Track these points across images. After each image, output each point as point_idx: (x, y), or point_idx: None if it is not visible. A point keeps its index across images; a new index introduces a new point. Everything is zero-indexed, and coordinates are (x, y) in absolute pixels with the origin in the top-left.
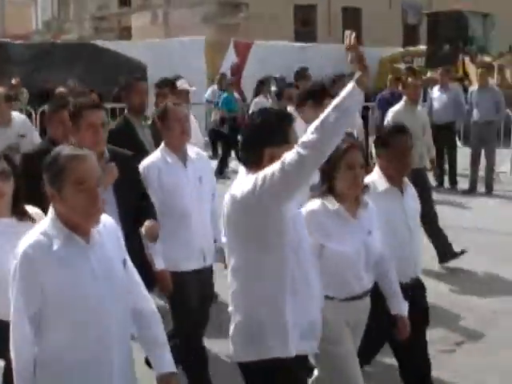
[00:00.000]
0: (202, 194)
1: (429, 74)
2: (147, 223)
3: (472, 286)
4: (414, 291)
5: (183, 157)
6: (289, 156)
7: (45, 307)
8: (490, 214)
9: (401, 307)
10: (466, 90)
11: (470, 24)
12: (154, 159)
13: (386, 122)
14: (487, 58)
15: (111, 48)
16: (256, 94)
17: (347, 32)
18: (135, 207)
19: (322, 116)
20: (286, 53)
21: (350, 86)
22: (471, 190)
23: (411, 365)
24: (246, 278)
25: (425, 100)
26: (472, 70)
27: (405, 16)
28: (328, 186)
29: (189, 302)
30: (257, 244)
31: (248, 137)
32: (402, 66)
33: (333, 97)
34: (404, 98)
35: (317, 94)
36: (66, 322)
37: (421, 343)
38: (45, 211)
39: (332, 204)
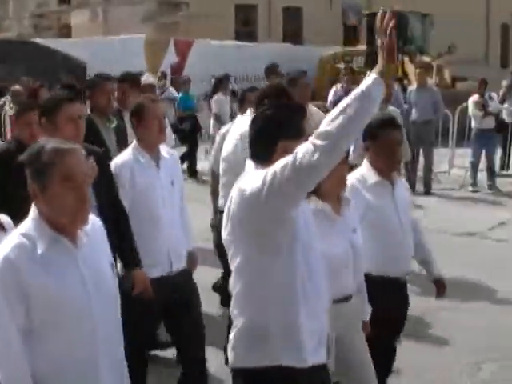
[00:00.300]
0: (173, 197)
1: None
2: (136, 275)
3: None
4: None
5: (156, 157)
6: (301, 150)
7: (32, 318)
8: (428, 213)
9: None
10: (405, 89)
11: (409, 24)
12: (126, 158)
13: None
14: (426, 58)
15: (51, 46)
16: (214, 92)
17: (381, 11)
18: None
19: (338, 108)
20: (227, 52)
21: (372, 76)
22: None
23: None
24: (252, 278)
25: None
26: (411, 69)
27: (345, 16)
28: None
29: (146, 311)
30: (264, 244)
31: (260, 129)
32: (342, 66)
33: (292, 98)
34: None
35: (276, 96)
36: (56, 332)
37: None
38: (22, 213)
39: (316, 203)
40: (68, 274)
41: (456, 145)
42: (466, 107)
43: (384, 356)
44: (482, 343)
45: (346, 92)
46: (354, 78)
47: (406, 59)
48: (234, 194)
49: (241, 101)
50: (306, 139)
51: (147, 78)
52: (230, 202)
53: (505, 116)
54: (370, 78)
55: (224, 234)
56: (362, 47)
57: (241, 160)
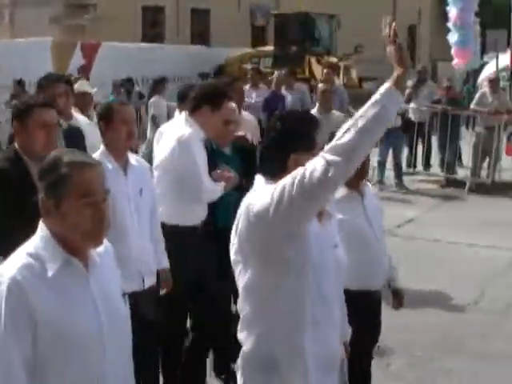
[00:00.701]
0: (141, 208)
1: (275, 74)
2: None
3: None
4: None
5: (124, 164)
6: (313, 165)
7: (38, 348)
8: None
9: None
10: (312, 90)
11: (316, 25)
12: None
13: None
14: (333, 59)
15: None
16: (151, 95)
17: (387, 19)
18: None
19: (352, 120)
20: (133, 54)
21: (387, 86)
22: None
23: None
24: (259, 300)
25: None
26: (318, 70)
27: (253, 17)
28: None
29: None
30: (273, 263)
31: (270, 142)
32: (249, 67)
33: (232, 99)
34: (317, 104)
35: (215, 97)
36: (64, 363)
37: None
38: (28, 227)
39: None
40: (80, 299)
41: None
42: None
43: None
44: (392, 341)
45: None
46: (261, 78)
47: (313, 60)
48: (242, 210)
49: (181, 99)
50: (318, 151)
51: (81, 86)
52: (238, 219)
53: (411, 115)
54: (383, 88)
55: (231, 253)
56: (270, 48)
57: (179, 169)
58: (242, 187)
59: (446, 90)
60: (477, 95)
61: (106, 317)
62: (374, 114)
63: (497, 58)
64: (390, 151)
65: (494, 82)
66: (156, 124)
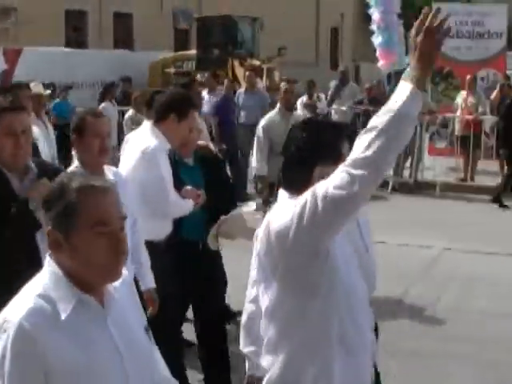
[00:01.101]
0: None
1: (198, 77)
2: None
3: None
4: None
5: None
6: (336, 180)
7: None
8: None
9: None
10: (235, 93)
11: (239, 28)
12: None
13: (257, 131)
14: (256, 61)
15: None
16: (101, 100)
17: (425, 10)
18: None
19: (373, 127)
20: (56, 59)
21: (407, 87)
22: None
23: None
24: (286, 322)
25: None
26: (241, 73)
27: (176, 20)
28: None
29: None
30: (297, 285)
31: (294, 154)
32: (172, 71)
33: (197, 107)
34: (278, 105)
35: (182, 106)
36: None
37: None
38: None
39: None
40: (98, 342)
41: None
42: (296, 109)
43: None
44: None
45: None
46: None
47: (236, 63)
48: (262, 227)
49: (150, 105)
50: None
51: (36, 87)
52: (258, 235)
53: (334, 116)
54: (404, 89)
55: (252, 273)
56: (193, 51)
57: (144, 181)
58: (208, 202)
59: (368, 91)
60: None
61: (128, 357)
62: (396, 120)
63: None
64: None
65: None
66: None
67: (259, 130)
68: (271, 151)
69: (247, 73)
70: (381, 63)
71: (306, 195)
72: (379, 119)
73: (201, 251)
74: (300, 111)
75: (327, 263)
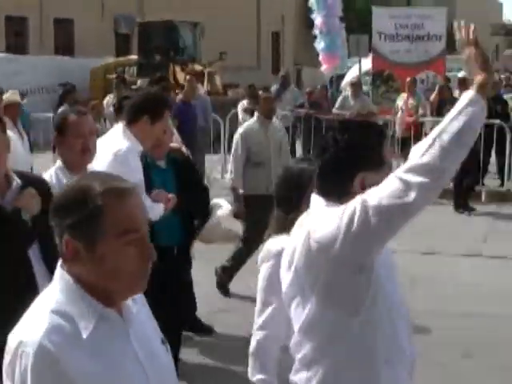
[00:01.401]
0: None
1: (139, 83)
2: None
3: None
4: None
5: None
6: (389, 188)
7: None
8: None
9: None
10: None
11: (180, 33)
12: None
13: (234, 139)
14: (198, 66)
15: None
16: (60, 104)
17: (459, 23)
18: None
19: (433, 137)
20: None
21: (471, 94)
22: None
23: None
24: (326, 338)
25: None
26: (182, 78)
27: (117, 26)
28: (295, 216)
29: None
30: (339, 300)
31: (334, 159)
32: (114, 76)
33: (171, 107)
34: (255, 113)
35: (156, 107)
36: None
37: None
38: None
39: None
40: (122, 359)
41: (228, 151)
42: (237, 113)
43: None
44: None
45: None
46: (126, 86)
47: (178, 68)
48: (299, 237)
49: (119, 109)
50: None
51: (13, 95)
52: (294, 247)
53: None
54: (467, 96)
55: (284, 286)
56: (134, 57)
57: None
58: (181, 205)
59: (309, 94)
60: (339, 99)
61: (151, 371)
62: (460, 127)
63: (359, 62)
64: None
65: (355, 85)
66: None
67: (236, 139)
68: (248, 161)
69: (187, 77)
70: (324, 67)
71: (354, 204)
72: (442, 126)
73: (175, 256)
74: (240, 115)
75: (371, 274)
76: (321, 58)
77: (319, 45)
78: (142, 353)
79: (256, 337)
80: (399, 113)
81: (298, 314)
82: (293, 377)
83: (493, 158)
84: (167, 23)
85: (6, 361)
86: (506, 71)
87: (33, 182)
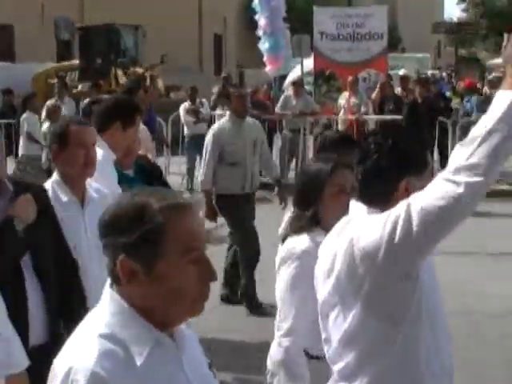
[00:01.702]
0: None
1: (80, 87)
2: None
3: None
4: None
5: (82, 195)
6: (435, 189)
7: None
8: None
9: None
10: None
11: (121, 36)
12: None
13: (206, 141)
14: (139, 69)
15: None
16: (22, 111)
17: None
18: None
19: (475, 136)
20: None
21: (509, 94)
22: None
23: None
24: (368, 349)
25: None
26: (124, 82)
27: (58, 30)
28: (312, 214)
29: None
30: (383, 309)
31: (375, 164)
32: (55, 81)
33: (142, 113)
34: (227, 112)
35: (128, 112)
36: None
37: None
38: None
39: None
40: None
41: (172, 153)
42: (179, 115)
43: None
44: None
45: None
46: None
47: (120, 72)
48: (340, 245)
49: (87, 114)
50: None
51: None
52: (333, 254)
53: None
54: (505, 95)
55: (322, 294)
56: (76, 62)
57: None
58: None
59: (252, 94)
60: (281, 99)
61: None
62: (500, 126)
63: (301, 62)
64: (198, 158)
65: (297, 85)
66: (33, 140)
67: (208, 139)
68: (222, 160)
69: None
70: (268, 68)
71: (398, 211)
72: (481, 127)
73: None
74: (183, 117)
75: (416, 285)
76: (265, 58)
77: (263, 46)
78: (194, 379)
79: (283, 344)
80: (341, 111)
81: (338, 325)
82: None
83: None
84: (108, 27)
85: None
86: (447, 68)
87: (28, 188)
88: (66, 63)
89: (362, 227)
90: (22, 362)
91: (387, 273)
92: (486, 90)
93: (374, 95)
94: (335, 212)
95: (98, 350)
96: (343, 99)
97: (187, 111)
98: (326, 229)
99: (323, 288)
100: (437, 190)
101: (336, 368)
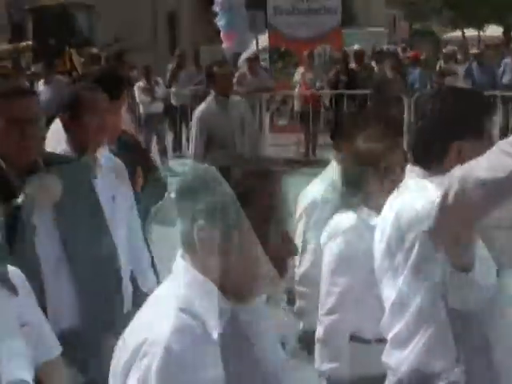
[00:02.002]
0: (115, 217)
1: (33, 68)
2: None
3: None
4: None
5: (93, 165)
6: (490, 159)
7: None
8: None
9: None
10: (74, 81)
11: (74, 17)
12: None
13: (192, 124)
14: (94, 50)
15: None
16: None
17: None
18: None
19: None
20: None
21: None
22: None
23: None
24: (417, 315)
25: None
26: (78, 62)
27: (11, 12)
28: (363, 194)
29: None
30: (427, 279)
31: (426, 126)
32: (10, 64)
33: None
34: (211, 92)
35: (112, 85)
36: None
37: None
38: None
39: (371, 219)
40: (247, 359)
41: None
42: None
43: None
44: None
45: None
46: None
47: (74, 51)
48: (393, 208)
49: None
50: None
51: None
52: (387, 219)
53: (173, 100)
54: None
55: (377, 258)
56: (29, 42)
57: None
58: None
59: (207, 70)
60: (236, 75)
61: (273, 377)
62: None
63: (256, 38)
64: (155, 138)
65: (252, 61)
66: None
67: (194, 123)
68: (211, 143)
69: (81, 59)
70: (225, 45)
71: (450, 177)
72: None
73: None
74: (137, 96)
75: (470, 248)
76: (222, 35)
77: (220, 22)
78: (267, 351)
79: (324, 322)
80: (297, 87)
81: (388, 291)
82: (385, 358)
83: None
84: (61, 7)
85: (121, 358)
86: (402, 42)
87: (58, 162)
88: (18, 45)
89: (413, 193)
90: (54, 348)
91: (437, 239)
92: (441, 63)
93: (330, 72)
94: (386, 189)
95: (176, 323)
96: (299, 75)
97: (142, 90)
98: (375, 208)
99: (377, 252)
100: (491, 160)
101: (389, 336)
